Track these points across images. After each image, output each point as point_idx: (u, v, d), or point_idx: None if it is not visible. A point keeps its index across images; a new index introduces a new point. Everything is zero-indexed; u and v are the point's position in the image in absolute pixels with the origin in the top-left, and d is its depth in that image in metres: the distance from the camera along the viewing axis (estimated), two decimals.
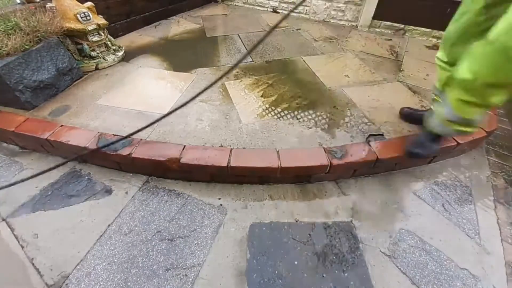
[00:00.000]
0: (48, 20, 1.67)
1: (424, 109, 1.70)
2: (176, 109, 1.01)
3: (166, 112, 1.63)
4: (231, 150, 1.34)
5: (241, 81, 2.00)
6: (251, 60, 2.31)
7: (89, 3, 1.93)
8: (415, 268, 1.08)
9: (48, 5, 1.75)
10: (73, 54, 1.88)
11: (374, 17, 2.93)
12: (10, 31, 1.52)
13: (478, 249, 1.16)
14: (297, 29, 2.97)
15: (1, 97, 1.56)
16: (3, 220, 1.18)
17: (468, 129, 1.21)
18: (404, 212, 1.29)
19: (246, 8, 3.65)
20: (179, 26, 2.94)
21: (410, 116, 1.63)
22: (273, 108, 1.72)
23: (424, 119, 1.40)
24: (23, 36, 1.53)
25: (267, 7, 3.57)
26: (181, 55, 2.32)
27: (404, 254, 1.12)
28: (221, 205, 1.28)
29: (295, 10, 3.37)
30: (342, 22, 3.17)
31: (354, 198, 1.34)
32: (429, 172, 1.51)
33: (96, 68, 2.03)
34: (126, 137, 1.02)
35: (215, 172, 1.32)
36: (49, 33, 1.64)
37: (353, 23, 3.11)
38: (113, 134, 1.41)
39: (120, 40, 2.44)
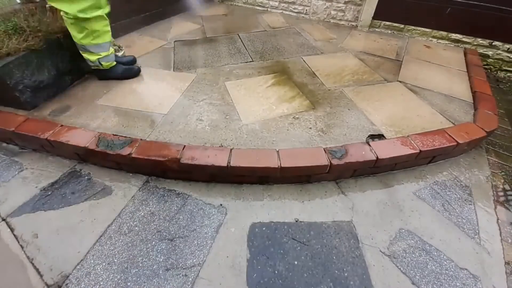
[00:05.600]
0: (48, 20, 1.67)
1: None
2: None
3: (166, 112, 1.64)
4: (231, 150, 1.34)
5: (241, 81, 2.00)
6: (251, 60, 2.31)
7: None
8: (415, 268, 1.08)
9: (48, 5, 1.75)
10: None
11: (374, 17, 2.93)
12: (10, 31, 1.52)
13: (478, 249, 1.16)
14: (297, 29, 2.97)
15: (1, 97, 1.56)
16: (3, 220, 1.17)
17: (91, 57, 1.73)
18: (404, 212, 1.29)
19: (246, 8, 3.65)
20: (179, 26, 2.94)
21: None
22: (273, 108, 1.72)
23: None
24: (23, 36, 1.53)
25: (267, 7, 3.57)
26: (181, 55, 2.32)
27: (404, 254, 1.12)
28: (221, 205, 1.28)
29: (295, 10, 3.37)
30: (342, 22, 3.17)
31: (354, 198, 1.34)
32: (429, 172, 1.51)
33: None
34: None
35: (215, 172, 1.32)
36: (49, 33, 1.64)
37: (353, 23, 3.11)
38: (113, 134, 1.41)
39: (120, 40, 2.44)
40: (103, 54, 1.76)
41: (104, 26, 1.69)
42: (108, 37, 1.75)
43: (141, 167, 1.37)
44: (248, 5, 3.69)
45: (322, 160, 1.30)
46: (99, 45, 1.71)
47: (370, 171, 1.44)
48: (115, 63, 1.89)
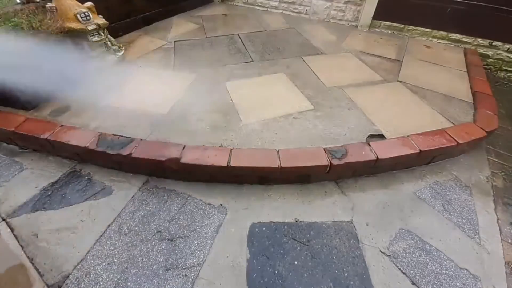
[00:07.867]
0: (48, 20, 1.67)
1: None
2: None
3: (166, 112, 1.64)
4: (231, 150, 1.34)
5: (241, 81, 2.00)
6: (251, 60, 2.31)
7: (89, 3, 1.93)
8: (415, 268, 1.08)
9: (48, 5, 1.75)
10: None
11: (374, 17, 2.93)
12: (10, 32, 1.52)
13: (478, 249, 1.16)
14: (297, 30, 2.97)
15: (1, 97, 1.56)
16: (3, 220, 1.17)
17: None
18: (404, 212, 1.29)
19: (246, 8, 3.65)
20: (179, 26, 2.94)
21: None
22: (273, 108, 1.72)
23: None
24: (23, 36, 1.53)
25: (267, 7, 3.57)
26: (181, 55, 2.32)
27: (404, 254, 1.12)
28: (221, 205, 1.28)
29: (295, 10, 3.37)
30: (342, 22, 3.17)
31: (354, 198, 1.34)
32: (429, 172, 1.51)
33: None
34: None
35: (215, 172, 1.32)
36: (49, 33, 1.64)
37: (353, 23, 3.11)
38: (113, 134, 1.41)
39: (120, 40, 2.44)
40: None
41: None
42: None
43: (141, 167, 1.37)
44: (248, 5, 3.69)
45: (322, 160, 1.30)
46: None
47: (370, 171, 1.44)
48: None
